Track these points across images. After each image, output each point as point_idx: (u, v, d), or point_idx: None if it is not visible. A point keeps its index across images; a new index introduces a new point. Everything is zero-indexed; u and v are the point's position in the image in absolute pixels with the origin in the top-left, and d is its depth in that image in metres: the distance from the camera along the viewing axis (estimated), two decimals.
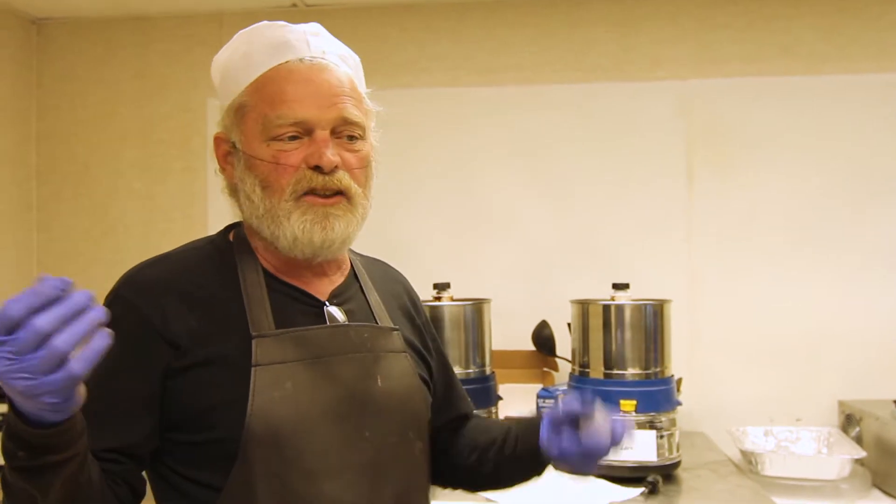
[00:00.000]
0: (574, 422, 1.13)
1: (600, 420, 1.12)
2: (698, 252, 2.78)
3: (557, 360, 2.66)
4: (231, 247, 1.16)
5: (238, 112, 1.12)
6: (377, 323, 1.19)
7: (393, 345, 1.19)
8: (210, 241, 1.19)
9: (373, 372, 1.13)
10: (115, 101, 3.02)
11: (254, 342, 1.05)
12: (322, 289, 1.17)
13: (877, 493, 2.23)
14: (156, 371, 1.04)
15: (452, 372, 1.40)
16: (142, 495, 1.09)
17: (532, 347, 2.68)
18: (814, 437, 2.49)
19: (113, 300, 1.07)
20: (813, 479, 2.19)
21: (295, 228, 1.08)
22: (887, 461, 2.24)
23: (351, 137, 1.13)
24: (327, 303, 1.16)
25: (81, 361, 0.77)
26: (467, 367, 2.26)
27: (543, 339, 2.64)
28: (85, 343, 0.78)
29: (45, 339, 0.75)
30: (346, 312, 1.17)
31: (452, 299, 2.33)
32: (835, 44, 2.76)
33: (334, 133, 1.10)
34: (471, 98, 2.89)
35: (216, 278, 1.11)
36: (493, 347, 2.46)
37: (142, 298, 1.06)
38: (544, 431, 1.16)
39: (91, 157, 3.02)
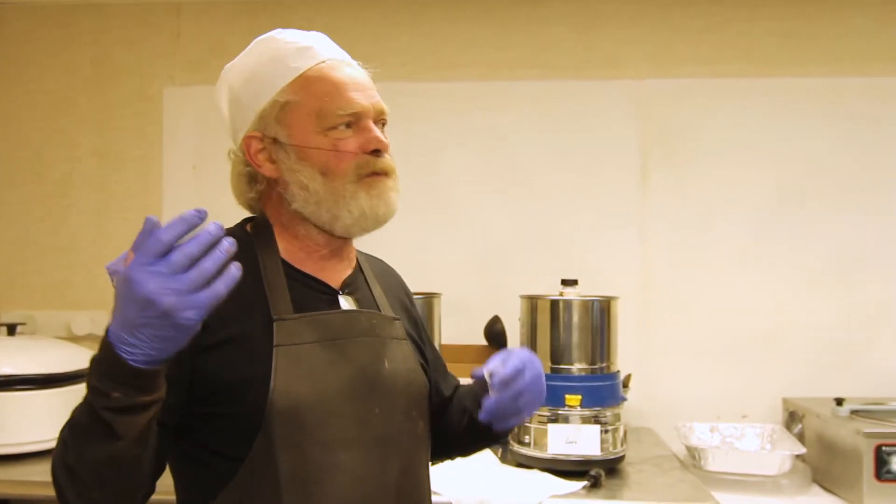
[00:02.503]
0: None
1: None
2: (651, 250, 2.81)
3: None
4: (250, 238, 1.24)
5: (284, 109, 1.21)
6: (381, 312, 1.31)
7: (396, 332, 1.31)
8: (230, 232, 1.22)
9: (381, 355, 1.24)
10: (71, 87, 2.99)
11: (275, 324, 1.15)
12: (334, 279, 1.27)
13: (816, 488, 2.28)
14: (186, 348, 1.06)
15: (443, 360, 1.56)
16: (164, 468, 1.14)
17: (484, 342, 2.70)
18: (758, 434, 2.53)
19: None
20: (755, 474, 2.23)
21: (363, 205, 1.20)
22: (827, 457, 2.29)
23: (383, 125, 1.27)
24: (340, 291, 1.26)
25: (223, 283, 0.90)
26: None
27: (495, 333, 2.66)
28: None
29: (194, 261, 0.88)
30: (356, 301, 1.28)
31: None
32: (789, 48, 2.81)
33: (375, 122, 1.24)
34: (429, 93, 2.89)
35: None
36: (446, 342, 2.48)
37: None
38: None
39: (45, 143, 2.99)
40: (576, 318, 2.17)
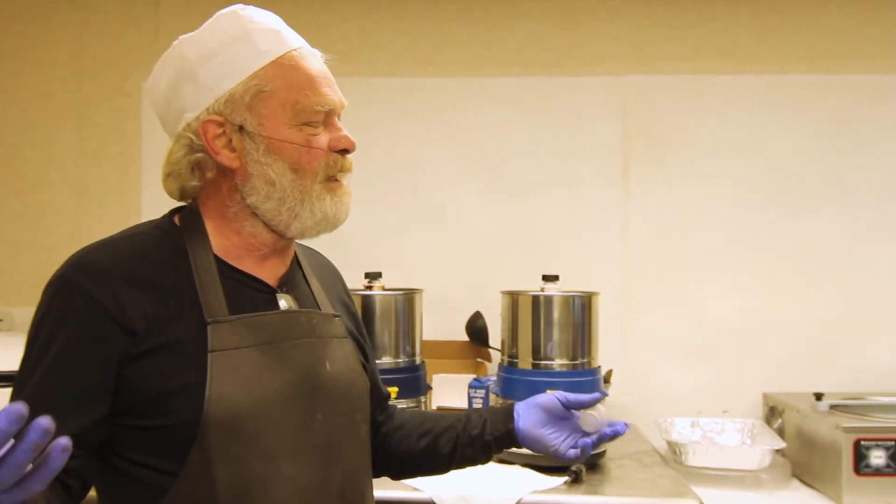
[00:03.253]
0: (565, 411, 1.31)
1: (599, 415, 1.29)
2: (631, 246, 2.82)
3: (491, 350, 2.68)
4: (179, 231, 1.16)
5: (257, 96, 1.13)
6: (320, 309, 1.24)
7: (336, 331, 1.24)
8: (155, 225, 1.19)
9: (321, 357, 1.17)
10: (48, 82, 2.95)
11: (209, 328, 1.07)
12: (270, 275, 1.20)
13: (796, 482, 2.30)
14: (110, 357, 1.04)
15: (375, 358, 1.49)
16: (89, 487, 1.10)
17: (466, 338, 2.69)
18: (738, 429, 2.54)
19: (61, 286, 1.06)
20: (735, 469, 2.24)
21: (327, 208, 1.15)
22: (806, 452, 2.30)
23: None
24: (278, 289, 1.19)
25: (38, 480, 0.78)
26: (397, 356, 2.27)
27: (477, 329, 2.65)
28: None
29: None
30: (294, 299, 1.21)
31: (384, 289, 2.33)
32: (769, 45, 2.82)
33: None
34: (411, 88, 2.89)
35: (166, 263, 1.11)
36: (428, 338, 2.47)
37: (93, 283, 1.05)
38: (526, 414, 1.32)
39: (22, 138, 2.95)
40: (557, 313, 2.17)
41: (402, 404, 2.20)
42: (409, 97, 2.88)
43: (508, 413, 1.34)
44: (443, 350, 2.65)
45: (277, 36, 1.17)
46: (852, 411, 2.26)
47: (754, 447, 2.33)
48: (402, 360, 2.27)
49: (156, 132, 2.89)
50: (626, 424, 1.34)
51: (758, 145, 2.80)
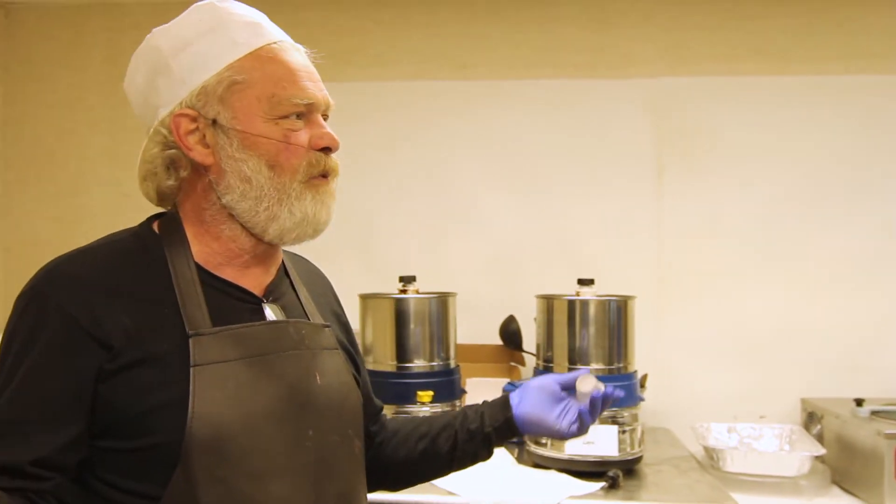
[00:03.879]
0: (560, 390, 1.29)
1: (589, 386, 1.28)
2: (666, 249, 2.79)
3: (524, 354, 2.66)
4: (158, 239, 1.09)
5: (231, 88, 1.06)
6: (309, 320, 1.17)
7: (327, 342, 1.17)
8: (133, 233, 1.12)
9: (312, 370, 1.10)
10: (84, 87, 2.99)
11: (191, 341, 1.00)
12: (256, 284, 1.13)
13: (836, 490, 2.26)
14: (85, 373, 0.97)
15: (368, 378, 1.39)
16: None
17: (499, 342, 2.68)
18: (776, 435, 2.51)
19: (32, 298, 1.00)
20: (774, 475, 2.21)
21: (307, 209, 1.07)
22: (847, 458, 2.26)
23: (326, 119, 1.14)
24: (264, 299, 1.12)
25: None
26: (431, 360, 2.26)
27: (510, 333, 2.64)
28: None
29: None
30: (282, 309, 1.14)
31: (418, 292, 2.32)
32: (804, 45, 2.79)
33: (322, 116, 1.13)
34: (443, 92, 2.88)
35: (145, 273, 1.05)
36: (461, 341, 2.47)
37: (66, 295, 0.98)
38: (523, 400, 1.29)
39: (58, 143, 2.99)
40: (593, 317, 2.16)
41: (437, 408, 2.20)
42: (441, 100, 2.88)
43: (505, 402, 1.31)
44: (476, 354, 2.63)
45: (256, 28, 1.10)
46: (894, 417, 2.22)
47: (793, 453, 2.29)
48: (436, 363, 2.26)
49: None
50: (615, 389, 1.32)
51: (793, 147, 2.76)
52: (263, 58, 1.08)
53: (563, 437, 1.29)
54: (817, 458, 2.26)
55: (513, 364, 2.69)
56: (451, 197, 2.86)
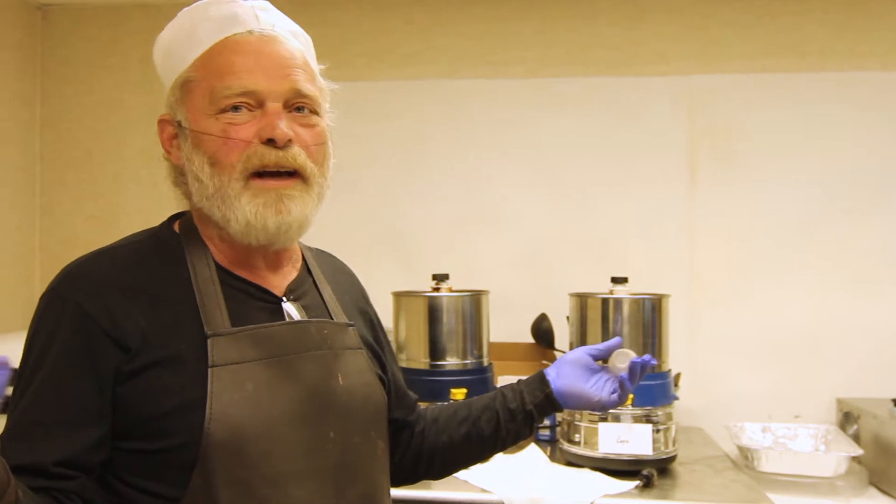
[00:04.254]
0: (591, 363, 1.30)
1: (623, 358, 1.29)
2: (699, 247, 2.77)
3: (556, 352, 2.66)
4: (178, 239, 1.08)
5: (183, 88, 1.05)
6: (332, 319, 1.15)
7: (350, 341, 1.15)
8: (153, 233, 1.12)
9: (333, 370, 1.09)
10: (121, 87, 3.03)
11: (209, 341, 0.99)
12: (277, 283, 1.12)
13: (873, 490, 2.23)
14: (104, 375, 0.97)
15: (401, 374, 1.37)
16: None
17: (532, 340, 2.68)
18: (811, 435, 2.48)
19: (51, 300, 1.00)
20: (809, 475, 2.19)
21: (247, 212, 1.01)
22: (884, 459, 2.23)
23: (302, 109, 1.06)
24: (284, 298, 1.11)
25: None
26: (465, 357, 2.27)
27: (542, 331, 2.64)
28: None
29: None
30: (303, 308, 1.12)
31: (451, 290, 2.33)
32: (842, 41, 2.75)
33: (287, 107, 1.05)
34: (474, 90, 2.88)
35: (164, 273, 1.04)
36: (493, 339, 2.47)
37: (85, 297, 0.98)
38: (560, 374, 1.29)
39: (95, 143, 3.03)
40: (627, 316, 2.15)
41: None
42: (473, 99, 2.88)
43: (542, 378, 1.30)
44: (508, 352, 2.64)
45: (222, 24, 1.06)
46: None
47: (830, 453, 2.27)
48: (469, 361, 2.27)
49: None
50: (651, 357, 1.31)
51: (829, 144, 2.73)
52: (213, 52, 1.05)
53: (604, 407, 1.29)
54: (854, 458, 2.23)
55: (544, 362, 2.69)
56: (484, 195, 2.86)
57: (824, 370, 2.67)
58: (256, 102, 1.03)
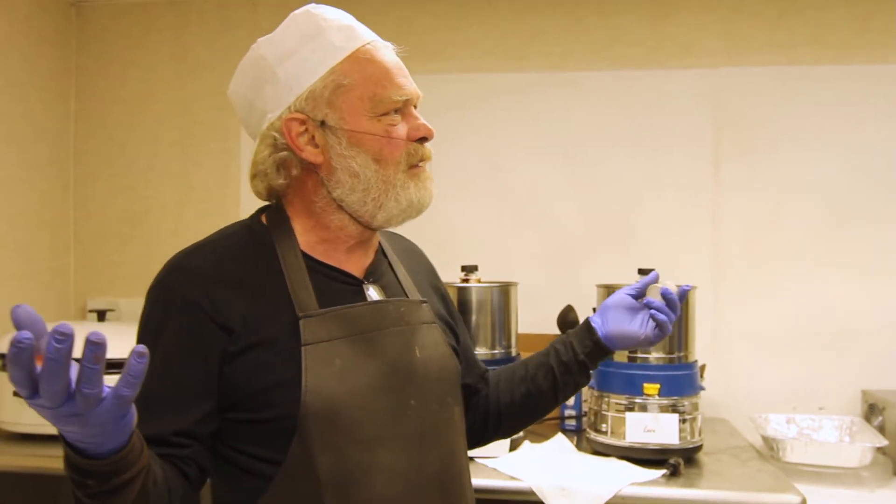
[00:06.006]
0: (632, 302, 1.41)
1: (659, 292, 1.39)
2: (724, 240, 2.79)
3: None
4: (266, 230, 1.20)
5: (337, 91, 1.15)
6: (408, 297, 1.27)
7: (425, 317, 1.27)
8: (244, 226, 1.23)
9: (411, 344, 1.20)
10: (152, 82, 3.08)
11: (301, 322, 1.11)
12: (357, 267, 1.23)
13: None
14: (212, 355, 1.09)
15: (471, 344, 1.50)
16: (208, 471, 1.15)
17: (557, 331, 2.71)
18: (836, 426, 2.50)
19: (162, 290, 1.13)
20: (834, 466, 2.21)
21: (412, 195, 1.18)
22: None
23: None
24: (364, 281, 1.23)
25: (128, 386, 0.81)
26: (493, 347, 2.30)
27: (569, 323, 2.66)
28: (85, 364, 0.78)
29: (64, 390, 0.77)
30: (381, 289, 1.24)
31: (479, 281, 2.36)
32: (867, 33, 2.75)
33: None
34: (500, 84, 2.91)
35: (257, 262, 1.16)
36: (520, 331, 2.50)
37: (190, 286, 1.11)
38: (605, 320, 1.40)
39: (128, 137, 3.09)
40: None
41: None
42: (498, 92, 2.91)
43: (588, 328, 1.41)
44: (534, 343, 2.65)
45: (350, 31, 1.19)
46: None
47: (855, 444, 2.29)
48: (497, 351, 2.30)
49: None
50: (687, 285, 1.42)
51: (854, 137, 2.73)
52: (361, 59, 1.17)
53: (651, 343, 1.41)
54: (879, 449, 2.25)
55: None
56: (510, 188, 2.89)
57: (849, 362, 2.69)
58: (403, 105, 1.19)
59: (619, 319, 1.40)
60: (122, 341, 2.50)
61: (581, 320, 2.61)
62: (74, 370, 0.78)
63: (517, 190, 2.89)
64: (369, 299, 1.21)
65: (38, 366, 0.76)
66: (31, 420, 2.24)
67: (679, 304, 1.40)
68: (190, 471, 1.10)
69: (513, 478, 1.95)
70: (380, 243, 1.32)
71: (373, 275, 1.25)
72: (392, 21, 2.94)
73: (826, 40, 2.77)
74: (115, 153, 3.09)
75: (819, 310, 2.72)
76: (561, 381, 1.40)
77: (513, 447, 2.19)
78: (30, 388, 0.77)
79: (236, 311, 1.10)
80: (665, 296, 1.38)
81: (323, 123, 1.16)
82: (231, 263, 1.15)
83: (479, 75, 2.92)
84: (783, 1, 2.80)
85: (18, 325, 0.75)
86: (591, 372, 1.43)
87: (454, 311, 1.42)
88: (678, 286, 1.42)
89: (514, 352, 2.37)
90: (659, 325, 1.38)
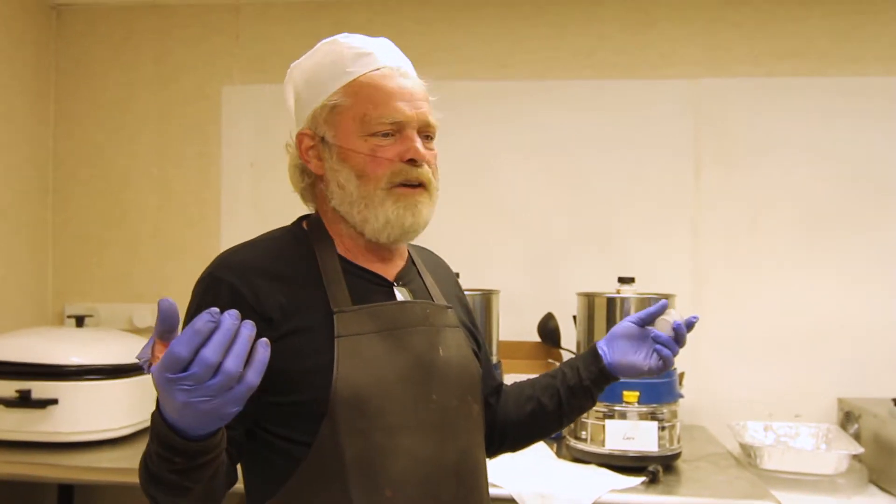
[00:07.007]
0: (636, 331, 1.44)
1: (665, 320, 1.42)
2: (703, 248, 2.82)
3: (562, 351, 2.70)
4: (307, 235, 1.31)
5: (333, 111, 1.26)
6: (434, 301, 1.36)
7: (449, 320, 1.35)
8: (288, 230, 1.34)
9: (435, 343, 1.29)
10: (133, 86, 3.06)
11: (335, 316, 1.20)
12: (388, 271, 1.33)
13: (873, 489, 2.28)
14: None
15: (489, 355, 1.60)
16: (243, 451, 1.23)
17: (538, 339, 2.72)
18: (813, 433, 2.53)
19: (210, 281, 1.22)
20: (811, 473, 2.23)
21: (388, 213, 1.24)
22: (884, 458, 2.28)
23: (428, 137, 1.31)
24: (395, 283, 1.32)
25: (254, 372, 0.93)
26: None
27: (549, 330, 2.68)
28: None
29: (217, 367, 0.89)
30: (410, 292, 1.34)
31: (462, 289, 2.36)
32: (844, 46, 2.80)
33: (418, 133, 1.28)
34: (483, 91, 2.92)
35: (298, 262, 1.26)
36: (501, 338, 2.51)
37: (236, 278, 1.20)
38: (611, 349, 1.44)
39: (107, 140, 3.07)
40: None
41: None
42: (481, 100, 2.92)
43: (595, 354, 1.45)
44: (514, 350, 2.68)
45: (366, 58, 1.28)
46: None
47: (831, 451, 2.31)
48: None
49: (234, 134, 3.01)
50: (695, 316, 1.46)
51: (832, 147, 2.77)
52: (363, 83, 1.27)
53: (654, 374, 1.44)
54: (855, 456, 2.28)
55: (550, 361, 2.73)
56: (492, 195, 2.90)
57: (825, 369, 2.72)
58: (398, 128, 1.25)
59: (625, 349, 1.44)
60: (99, 347, 2.48)
61: (561, 328, 2.66)
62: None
63: (499, 198, 2.90)
64: (398, 300, 1.29)
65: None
66: (8, 426, 2.22)
67: (685, 337, 1.43)
68: (231, 451, 1.17)
69: (493, 485, 1.94)
70: (410, 254, 1.42)
71: (402, 279, 1.34)
72: (378, 27, 2.95)
73: (806, 53, 2.81)
74: (95, 156, 3.07)
75: (796, 318, 2.75)
76: (566, 404, 1.46)
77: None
78: (184, 365, 0.88)
79: (276, 302, 1.19)
80: (676, 330, 1.41)
81: (323, 139, 1.28)
82: (274, 260, 1.25)
83: (463, 82, 2.93)
84: (763, 13, 2.83)
85: (164, 316, 0.90)
86: (595, 398, 1.47)
87: (476, 322, 1.49)
88: (684, 319, 1.44)
89: (495, 360, 2.37)
90: (663, 359, 1.42)
